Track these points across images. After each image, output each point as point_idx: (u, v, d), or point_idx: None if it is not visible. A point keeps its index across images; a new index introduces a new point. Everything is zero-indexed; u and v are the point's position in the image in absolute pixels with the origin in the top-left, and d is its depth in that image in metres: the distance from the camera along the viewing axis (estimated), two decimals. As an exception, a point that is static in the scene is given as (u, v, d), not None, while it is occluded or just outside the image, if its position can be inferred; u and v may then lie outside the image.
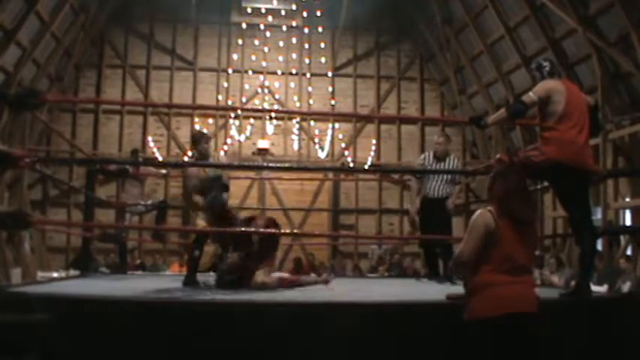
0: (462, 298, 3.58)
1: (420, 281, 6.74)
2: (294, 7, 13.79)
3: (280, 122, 13.89)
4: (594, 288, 5.58)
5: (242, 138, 13.59)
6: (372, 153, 14.00)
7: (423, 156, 6.70)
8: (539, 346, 3.02)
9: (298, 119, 13.97)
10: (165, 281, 6.19)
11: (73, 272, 9.12)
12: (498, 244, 3.00)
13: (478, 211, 3.12)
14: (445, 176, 6.32)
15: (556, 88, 4.10)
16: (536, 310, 3.01)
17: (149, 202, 7.69)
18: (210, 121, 13.76)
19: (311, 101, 14.06)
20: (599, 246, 8.91)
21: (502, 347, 2.95)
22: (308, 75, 14.16)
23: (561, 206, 4.42)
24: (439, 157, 6.41)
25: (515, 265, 3.01)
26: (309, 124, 13.99)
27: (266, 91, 14.00)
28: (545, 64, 4.30)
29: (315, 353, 3.37)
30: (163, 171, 9.75)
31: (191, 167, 5.51)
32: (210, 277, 5.83)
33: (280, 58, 14.02)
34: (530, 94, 4.13)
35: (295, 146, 13.79)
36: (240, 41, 13.96)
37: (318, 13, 13.81)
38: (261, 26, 13.84)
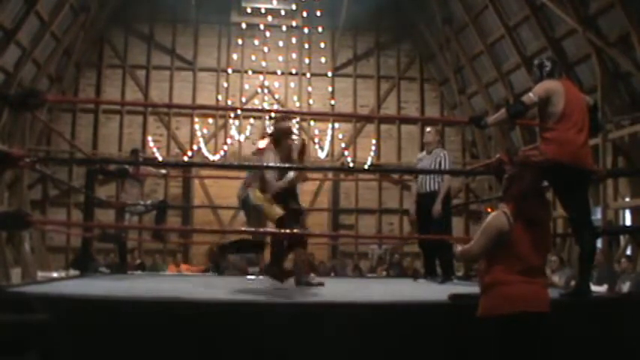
0: (464, 298, 3.59)
1: (417, 282, 6.68)
2: (294, 7, 13.79)
3: (280, 122, 13.86)
4: (594, 288, 5.58)
5: (242, 138, 13.59)
6: (372, 153, 14.00)
7: (419, 155, 6.76)
8: (546, 345, 3.03)
9: (298, 119, 13.97)
10: (165, 281, 6.20)
11: (73, 272, 9.12)
12: (511, 244, 3.03)
13: (494, 212, 3.17)
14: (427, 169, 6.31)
15: (555, 88, 4.11)
16: (548, 310, 3.03)
17: (149, 202, 7.69)
18: (210, 121, 13.77)
19: (311, 101, 14.06)
20: (599, 246, 8.93)
21: (511, 345, 2.97)
22: (308, 75, 14.17)
23: (561, 206, 4.42)
24: (427, 149, 6.44)
25: (528, 266, 3.03)
26: (308, 124, 13.98)
27: (266, 91, 14.00)
28: (547, 63, 4.29)
29: (315, 353, 3.37)
30: (163, 171, 9.72)
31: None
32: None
33: (280, 58, 14.03)
34: (530, 94, 4.14)
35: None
36: (240, 41, 13.96)
37: (318, 13, 13.81)
38: (261, 26, 13.85)
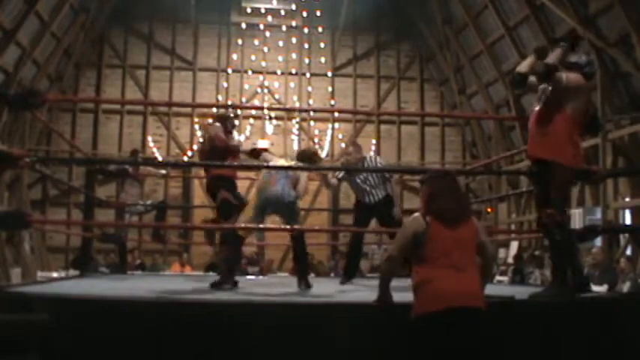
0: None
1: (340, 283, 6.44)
2: (294, 7, 13.80)
3: (280, 122, 13.89)
4: (594, 288, 5.57)
5: (242, 138, 13.59)
6: (372, 153, 13.99)
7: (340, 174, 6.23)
8: (483, 341, 2.99)
9: (298, 119, 13.97)
10: (165, 281, 6.20)
11: (72, 272, 9.13)
12: (431, 241, 3.06)
13: (412, 215, 3.22)
14: (372, 179, 5.99)
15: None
16: (480, 305, 3.00)
17: (149, 202, 7.70)
18: (211, 121, 13.74)
19: (311, 101, 14.07)
20: (598, 244, 8.96)
21: (444, 343, 2.94)
22: (308, 75, 14.17)
23: (539, 203, 4.30)
24: (357, 164, 6.08)
25: (452, 263, 3.03)
26: (308, 124, 13.99)
27: (266, 91, 14.01)
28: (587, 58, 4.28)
29: (315, 353, 3.37)
30: (163, 171, 9.73)
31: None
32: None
33: (280, 58, 14.03)
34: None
35: (295, 146, 13.79)
36: (239, 41, 13.97)
37: (318, 13, 13.82)
38: (261, 26, 13.86)
